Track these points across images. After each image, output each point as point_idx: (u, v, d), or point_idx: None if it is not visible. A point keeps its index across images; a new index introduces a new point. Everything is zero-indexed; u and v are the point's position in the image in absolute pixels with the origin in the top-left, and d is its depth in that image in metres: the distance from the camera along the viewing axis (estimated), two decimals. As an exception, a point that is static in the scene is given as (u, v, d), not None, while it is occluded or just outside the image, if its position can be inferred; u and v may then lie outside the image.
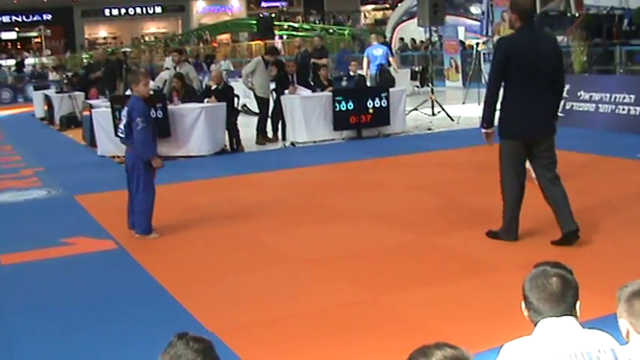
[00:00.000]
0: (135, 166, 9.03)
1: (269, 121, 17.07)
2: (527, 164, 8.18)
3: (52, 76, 33.07)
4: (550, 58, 7.65)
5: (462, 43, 31.00)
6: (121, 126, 9.04)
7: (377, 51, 21.24)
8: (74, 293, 7.31)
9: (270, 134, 17.07)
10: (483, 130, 8.01)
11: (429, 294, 6.67)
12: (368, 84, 18.92)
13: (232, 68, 33.30)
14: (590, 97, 16.32)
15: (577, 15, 29.95)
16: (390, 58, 21.61)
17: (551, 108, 7.88)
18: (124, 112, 9.00)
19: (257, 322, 6.25)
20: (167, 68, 20.21)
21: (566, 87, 16.74)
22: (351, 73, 17.79)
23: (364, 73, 19.83)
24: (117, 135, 9.42)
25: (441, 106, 19.56)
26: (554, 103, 7.98)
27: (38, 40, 54.83)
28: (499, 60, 7.67)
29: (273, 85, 17.18)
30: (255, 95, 17.03)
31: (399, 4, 44.44)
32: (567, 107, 15.93)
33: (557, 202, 7.78)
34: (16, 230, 10.14)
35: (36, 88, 28.60)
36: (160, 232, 9.24)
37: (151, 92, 15.76)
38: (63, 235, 9.38)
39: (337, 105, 16.13)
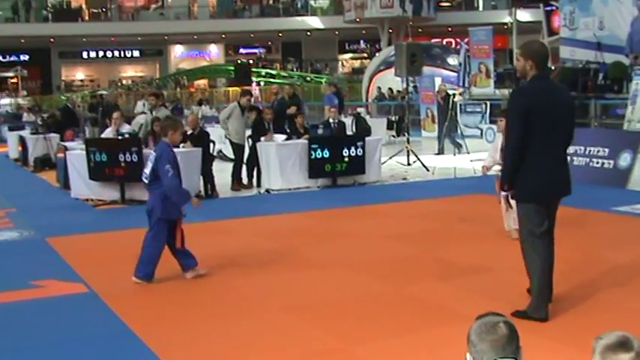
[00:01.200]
0: (153, 212, 9.03)
1: (244, 167, 17.06)
2: (512, 223, 8.17)
3: (27, 116, 32.99)
4: (569, 110, 7.16)
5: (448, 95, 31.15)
6: (147, 171, 9.06)
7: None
8: (42, 337, 7.20)
9: (245, 181, 17.04)
10: (503, 193, 7.51)
11: (402, 344, 6.63)
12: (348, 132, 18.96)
13: (209, 113, 33.41)
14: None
15: (553, 68, 30.30)
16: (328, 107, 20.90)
17: (567, 164, 7.33)
18: (152, 158, 9.02)
19: (228, 370, 6.18)
20: (144, 112, 20.24)
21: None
22: (330, 120, 17.83)
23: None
24: (141, 179, 9.43)
25: (416, 156, 19.62)
26: (566, 160, 7.36)
27: (14, 80, 54.72)
28: (520, 114, 6.86)
29: (249, 132, 17.19)
30: (230, 141, 17.02)
31: (377, 54, 44.84)
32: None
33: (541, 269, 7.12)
34: (-15, 272, 10.01)
35: (11, 129, 28.49)
36: (130, 276, 9.14)
37: (127, 136, 15.82)
38: (33, 277, 9.27)
39: (313, 153, 16.15)
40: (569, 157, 7.55)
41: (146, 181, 9.10)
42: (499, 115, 9.94)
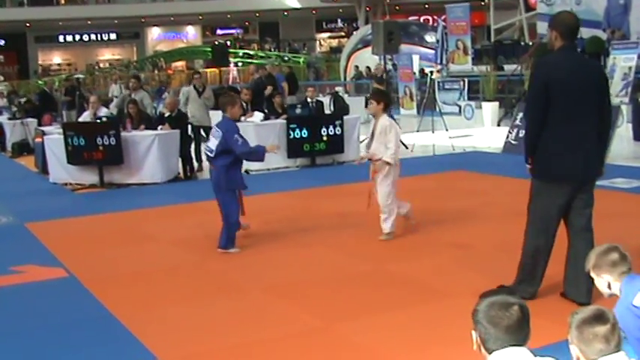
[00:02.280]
0: (218, 185, 9.36)
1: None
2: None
3: (3, 102, 32.73)
4: (598, 84, 6.66)
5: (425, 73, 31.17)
6: (211, 145, 9.30)
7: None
8: (22, 322, 7.17)
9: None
10: (529, 166, 6.79)
11: (381, 321, 6.64)
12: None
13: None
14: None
15: (531, 44, 30.42)
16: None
17: (597, 144, 6.71)
18: (216, 134, 9.27)
19: (208, 350, 6.19)
20: (116, 96, 20.21)
21: (519, 115, 16.99)
22: (309, 100, 17.79)
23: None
24: (205, 154, 9.82)
25: (395, 134, 19.60)
26: (601, 138, 6.77)
27: (-9, 65, 54.42)
28: (539, 85, 6.51)
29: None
30: (191, 124, 16.72)
31: (355, 33, 44.79)
32: (520, 135, 16.04)
33: (576, 259, 6.65)
34: (-36, 258, 9.97)
35: (-13, 115, 28.31)
36: (110, 260, 9.16)
37: (104, 119, 15.76)
38: (12, 263, 9.23)
39: (291, 132, 16.14)
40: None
41: (211, 155, 9.33)
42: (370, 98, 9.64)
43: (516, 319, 3.26)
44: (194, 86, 17.35)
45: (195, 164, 16.60)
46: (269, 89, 18.92)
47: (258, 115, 16.59)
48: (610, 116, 6.87)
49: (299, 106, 17.85)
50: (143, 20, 60.02)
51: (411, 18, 49.03)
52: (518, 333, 3.26)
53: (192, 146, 16.56)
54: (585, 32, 25.86)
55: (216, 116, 18.40)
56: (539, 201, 6.71)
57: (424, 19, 51.57)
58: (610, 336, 3.21)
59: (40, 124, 21.02)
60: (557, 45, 6.61)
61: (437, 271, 8.17)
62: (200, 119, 16.97)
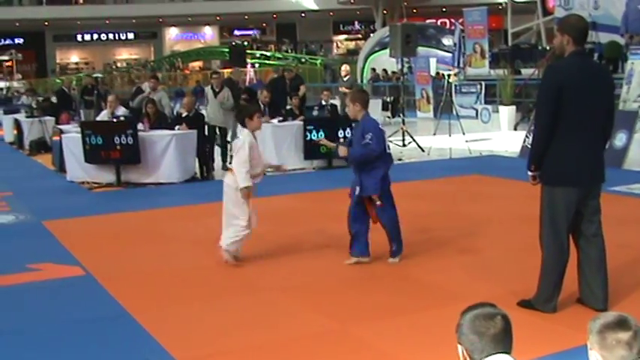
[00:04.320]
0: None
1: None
2: None
3: (26, 99, 32.89)
4: (606, 90, 6.66)
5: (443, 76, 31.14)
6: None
7: None
8: (39, 320, 7.21)
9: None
10: (531, 173, 6.71)
11: (397, 324, 6.66)
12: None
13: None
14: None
15: (548, 48, 30.34)
16: None
17: (602, 150, 6.74)
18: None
19: (225, 350, 6.21)
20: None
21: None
22: (323, 103, 17.81)
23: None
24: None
25: (411, 137, 19.63)
26: (604, 145, 6.81)
27: (9, 64, 54.59)
28: (550, 91, 6.42)
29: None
30: (208, 124, 16.76)
31: (372, 35, 44.78)
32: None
33: (590, 266, 6.71)
34: (-18, 255, 10.02)
35: (6, 112, 28.42)
36: (127, 259, 9.20)
37: (122, 118, 15.82)
38: (30, 260, 9.28)
39: (308, 134, 16.15)
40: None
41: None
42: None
43: (501, 327, 3.31)
44: (211, 86, 17.40)
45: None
46: (302, 89, 18.98)
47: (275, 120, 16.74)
48: (613, 123, 6.81)
49: (316, 107, 17.87)
50: (161, 20, 60.22)
51: (428, 21, 49.03)
52: (504, 342, 3.31)
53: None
54: (603, 37, 25.85)
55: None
56: (556, 206, 6.58)
57: (441, 22, 51.59)
58: (633, 342, 3.19)
59: (57, 123, 21.10)
60: (569, 50, 6.50)
61: (452, 275, 8.17)
62: (215, 119, 17.00)
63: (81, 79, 32.03)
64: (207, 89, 17.56)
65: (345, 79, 21.92)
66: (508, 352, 3.32)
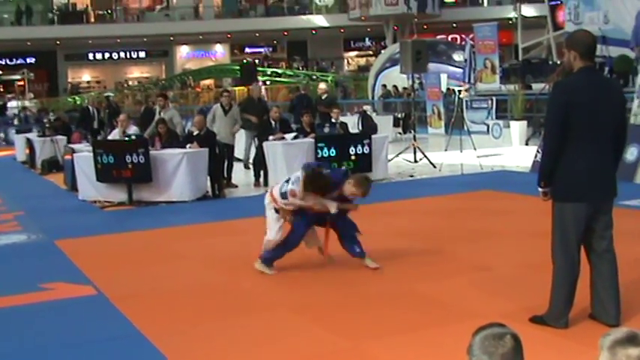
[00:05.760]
0: None
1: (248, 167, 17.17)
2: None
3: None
4: (617, 105, 6.59)
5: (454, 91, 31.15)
6: None
7: None
8: (51, 339, 7.21)
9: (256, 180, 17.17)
10: (541, 189, 6.65)
11: (409, 341, 6.63)
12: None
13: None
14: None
15: (559, 63, 30.35)
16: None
17: (614, 165, 6.64)
18: None
19: (237, 370, 6.20)
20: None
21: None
22: (333, 120, 17.82)
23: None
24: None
25: (423, 153, 19.62)
26: (616, 160, 6.71)
27: (21, 83, 54.80)
28: (558, 106, 6.38)
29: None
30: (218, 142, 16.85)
31: (382, 51, 44.84)
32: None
33: (602, 281, 6.67)
34: (-6, 275, 10.05)
35: (18, 132, 28.54)
36: (139, 278, 9.20)
37: (133, 137, 15.87)
38: (42, 280, 9.29)
39: (320, 151, 16.15)
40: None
41: None
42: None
43: (511, 347, 3.31)
44: (221, 104, 17.47)
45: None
46: (335, 110, 19.09)
47: (288, 137, 16.73)
48: (625, 138, 6.76)
49: (327, 125, 17.88)
50: (172, 38, 60.37)
51: (438, 37, 49.05)
52: None
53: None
54: (614, 51, 25.84)
55: (244, 136, 18.69)
56: (568, 221, 6.49)
57: (452, 38, 51.60)
58: (643, 358, 3.18)
59: (69, 142, 21.17)
60: (577, 66, 6.46)
61: (464, 291, 8.14)
62: (225, 137, 17.05)
63: (94, 98, 32.05)
64: (216, 107, 17.61)
65: (322, 97, 21.79)
66: None
